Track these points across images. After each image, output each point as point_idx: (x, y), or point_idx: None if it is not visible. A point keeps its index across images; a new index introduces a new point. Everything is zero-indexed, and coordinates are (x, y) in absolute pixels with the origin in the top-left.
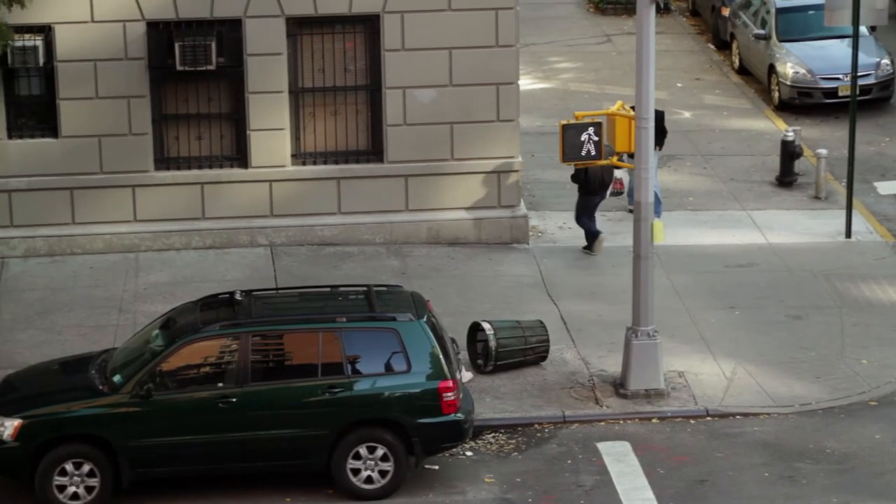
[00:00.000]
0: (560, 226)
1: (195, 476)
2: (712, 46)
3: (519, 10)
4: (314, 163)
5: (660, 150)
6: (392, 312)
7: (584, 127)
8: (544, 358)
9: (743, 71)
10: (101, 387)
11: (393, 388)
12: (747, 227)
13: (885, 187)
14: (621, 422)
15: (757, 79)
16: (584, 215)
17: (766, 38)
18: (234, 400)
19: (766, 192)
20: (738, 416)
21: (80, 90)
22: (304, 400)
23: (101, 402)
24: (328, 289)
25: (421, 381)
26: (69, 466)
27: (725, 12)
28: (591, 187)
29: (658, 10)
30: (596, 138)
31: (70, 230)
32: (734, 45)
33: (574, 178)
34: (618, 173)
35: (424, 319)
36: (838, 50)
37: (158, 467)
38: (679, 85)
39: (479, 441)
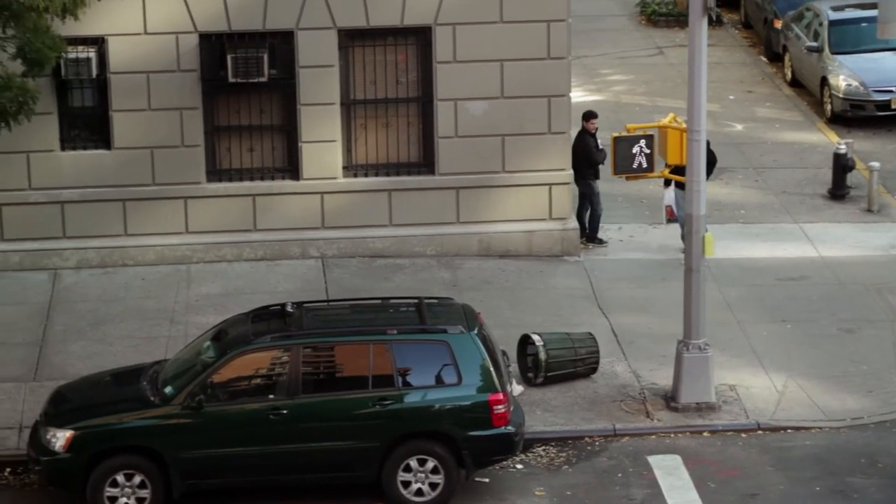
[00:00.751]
0: (611, 238)
1: (246, 488)
2: (764, 59)
3: (571, 22)
4: (365, 175)
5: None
6: (443, 325)
7: (636, 139)
8: (594, 370)
9: (795, 83)
10: (152, 398)
11: (443, 400)
12: (799, 241)
13: None
14: (672, 435)
15: (809, 91)
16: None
17: (819, 50)
18: (284, 412)
19: (818, 205)
20: (789, 430)
21: (133, 102)
22: (355, 412)
23: (152, 414)
24: (379, 301)
25: (472, 393)
26: (120, 478)
27: (778, 24)
28: None
29: (710, 22)
30: (648, 151)
31: (122, 241)
32: (786, 58)
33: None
34: (666, 199)
35: (475, 332)
36: (891, 62)
37: (209, 479)
38: (731, 97)
39: (529, 454)
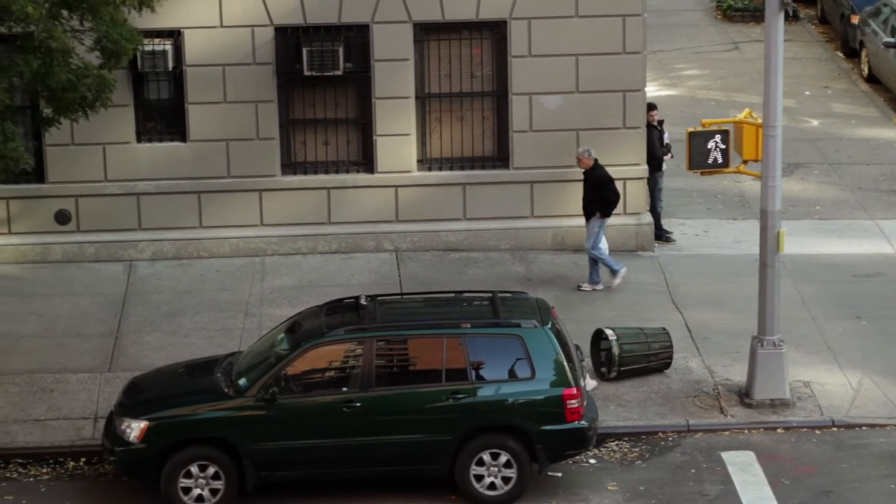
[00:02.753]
0: (686, 233)
1: (318, 480)
2: (841, 54)
3: (646, 17)
4: (440, 168)
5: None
6: (517, 319)
7: (711, 134)
8: (668, 365)
9: (872, 79)
10: (226, 390)
11: (517, 394)
12: (875, 237)
13: None
14: (746, 431)
15: (886, 87)
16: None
17: None
18: (358, 404)
19: (894, 201)
20: (864, 428)
21: (209, 95)
22: (428, 405)
23: (226, 406)
24: (453, 294)
25: (545, 387)
26: (194, 469)
27: (855, 20)
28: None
29: (786, 17)
30: (723, 146)
31: (197, 234)
32: (863, 54)
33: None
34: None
35: (549, 326)
36: None
37: (282, 471)
38: (807, 93)
39: (602, 449)
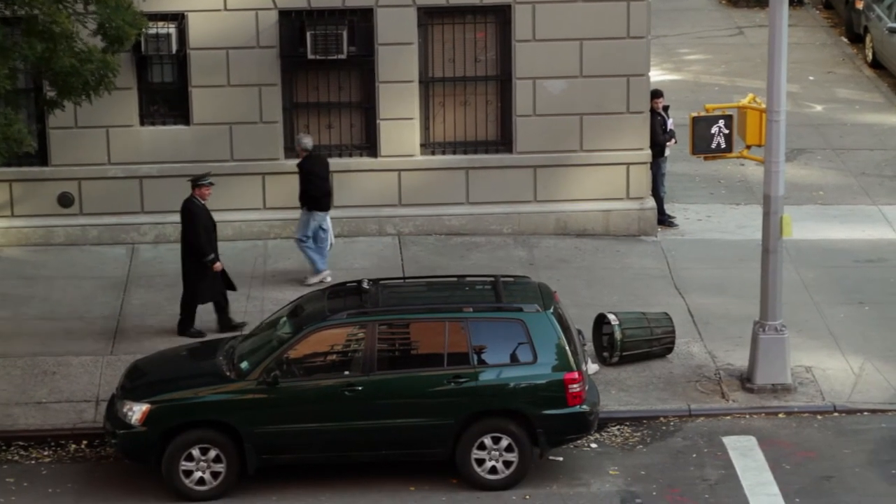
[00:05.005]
0: (689, 218)
1: (320, 464)
2: (845, 40)
3: (650, 2)
4: (443, 153)
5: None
6: (519, 303)
7: (715, 119)
8: (670, 350)
9: (876, 65)
10: (228, 373)
11: (518, 378)
12: (878, 222)
13: None
14: (747, 416)
15: (890, 73)
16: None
17: None
18: (359, 388)
19: None
20: (865, 413)
21: (212, 78)
22: (430, 389)
23: (228, 389)
24: (455, 279)
25: (547, 372)
26: (196, 452)
27: (859, 5)
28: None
29: (791, 2)
30: (726, 131)
31: None
32: (868, 39)
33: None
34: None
35: (551, 311)
36: None
37: (283, 454)
38: (811, 78)
39: (604, 433)
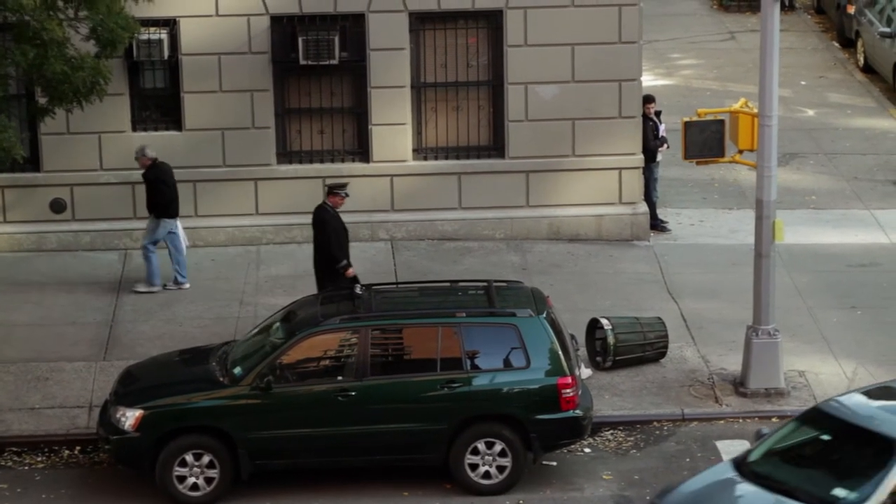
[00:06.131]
0: (681, 223)
1: (313, 469)
2: (837, 44)
3: (642, 7)
4: (435, 158)
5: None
6: (512, 308)
7: (707, 124)
8: (663, 355)
9: (868, 69)
10: (221, 379)
11: (512, 383)
12: (870, 227)
13: None
14: (741, 420)
15: (882, 77)
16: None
17: (892, 35)
18: (353, 393)
19: (890, 191)
20: None
21: (204, 84)
22: (423, 394)
23: (221, 394)
24: (448, 284)
25: (540, 377)
26: (189, 457)
27: (851, 10)
28: None
29: (782, 7)
30: (718, 136)
31: (193, 223)
32: (859, 43)
33: None
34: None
35: (544, 315)
36: None
37: (277, 459)
38: (803, 83)
39: (597, 438)
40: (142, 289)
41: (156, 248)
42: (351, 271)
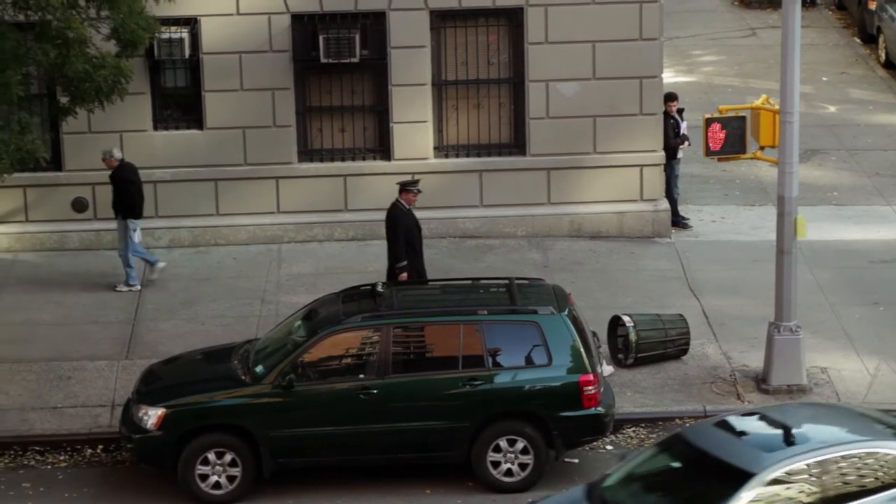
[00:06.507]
0: (703, 220)
1: (335, 467)
2: (858, 40)
3: (663, 3)
4: (456, 155)
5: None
6: (533, 305)
7: (729, 121)
8: (685, 351)
9: (889, 65)
10: (243, 377)
11: (533, 381)
12: (892, 223)
13: None
14: None
15: None
16: None
17: None
18: (374, 391)
19: None
20: None
21: (225, 82)
22: (445, 392)
23: (243, 393)
24: (470, 281)
25: (562, 374)
26: (211, 456)
27: (872, 6)
28: None
29: (804, 3)
30: (740, 132)
31: (214, 221)
32: (881, 39)
33: None
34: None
35: (566, 313)
36: None
37: (299, 458)
38: (824, 79)
39: (619, 435)
40: (122, 287)
41: (132, 247)
42: (404, 276)
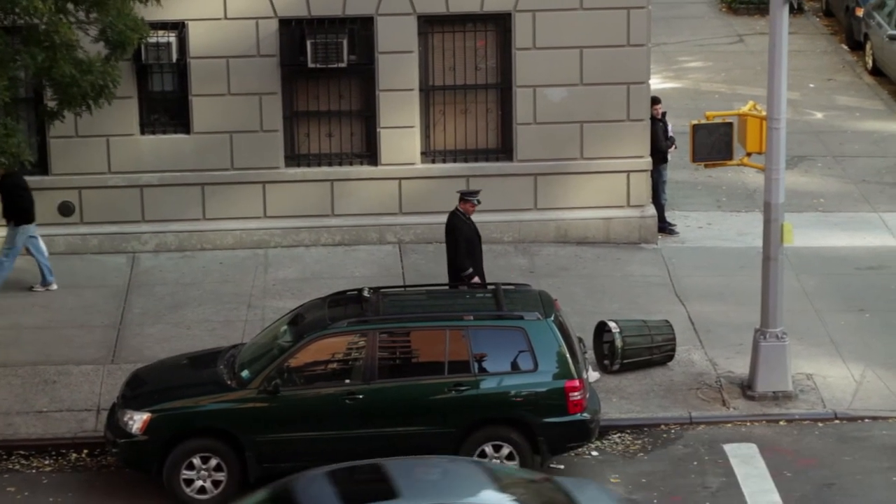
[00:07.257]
0: (689, 226)
1: None
2: (845, 47)
3: (651, 10)
4: (443, 161)
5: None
6: (519, 311)
7: (715, 127)
8: (671, 358)
9: (877, 72)
10: (229, 382)
11: (519, 386)
12: (878, 230)
13: None
14: (748, 423)
15: (890, 80)
16: None
17: None
18: (360, 396)
19: None
20: (866, 420)
21: (213, 87)
22: (430, 397)
23: (228, 397)
24: (455, 287)
25: (547, 380)
26: (197, 461)
27: (859, 13)
28: None
29: (791, 10)
30: (727, 138)
31: (200, 226)
32: (868, 46)
33: None
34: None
35: (552, 318)
36: None
37: (285, 462)
38: (811, 85)
39: (605, 441)
40: (39, 287)
41: (13, 253)
42: (476, 279)
